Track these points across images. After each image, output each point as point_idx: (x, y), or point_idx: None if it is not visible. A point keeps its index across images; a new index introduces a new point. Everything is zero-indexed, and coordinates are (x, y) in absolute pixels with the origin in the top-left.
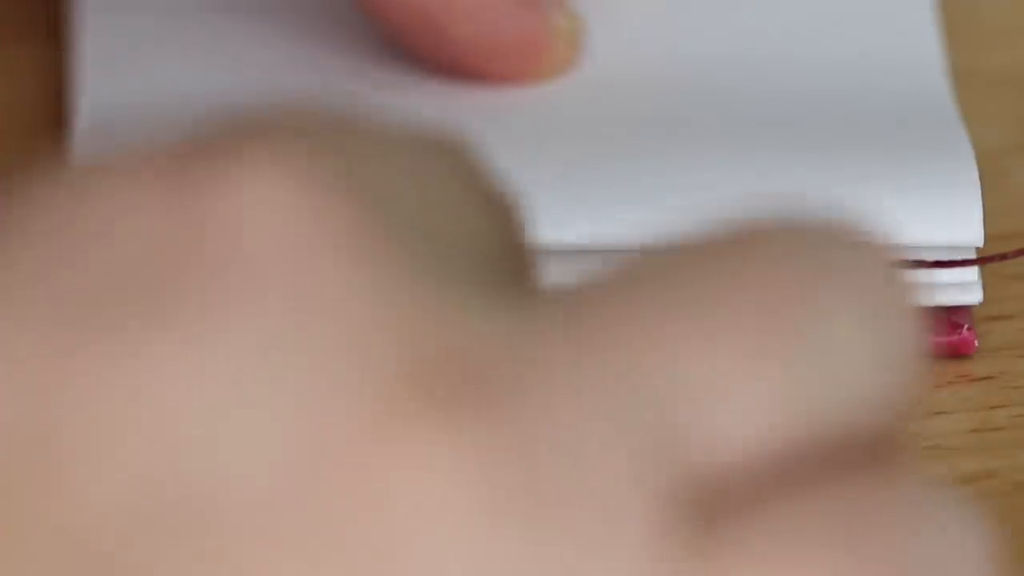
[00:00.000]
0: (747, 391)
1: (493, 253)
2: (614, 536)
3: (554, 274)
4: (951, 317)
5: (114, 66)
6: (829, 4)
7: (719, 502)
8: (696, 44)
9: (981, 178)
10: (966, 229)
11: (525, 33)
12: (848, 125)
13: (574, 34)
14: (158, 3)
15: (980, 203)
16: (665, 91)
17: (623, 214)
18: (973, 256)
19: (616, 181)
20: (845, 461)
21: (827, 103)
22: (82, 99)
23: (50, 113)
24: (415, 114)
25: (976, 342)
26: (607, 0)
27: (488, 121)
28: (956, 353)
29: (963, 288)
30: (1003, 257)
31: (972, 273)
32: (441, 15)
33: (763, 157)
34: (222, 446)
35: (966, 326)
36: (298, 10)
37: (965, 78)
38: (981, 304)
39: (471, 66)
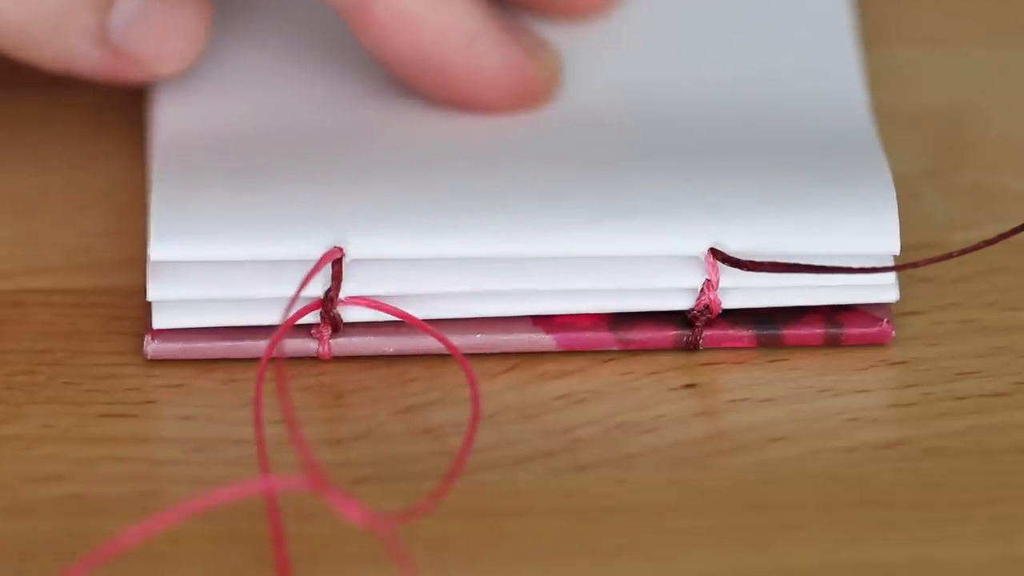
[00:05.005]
0: None
1: None
2: None
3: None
4: (873, 312)
5: (187, 87)
6: (773, 55)
7: None
8: (657, 83)
9: (898, 199)
10: (885, 240)
11: (512, 65)
12: (789, 155)
13: (555, 68)
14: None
15: (897, 219)
16: (629, 123)
17: (597, 229)
18: (891, 263)
19: (585, 192)
20: None
21: (772, 138)
22: (159, 119)
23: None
24: (419, 140)
25: (893, 333)
26: (584, 43)
27: (480, 145)
28: (877, 342)
29: (883, 289)
30: (915, 264)
31: (890, 277)
32: (437, 51)
33: (711, 181)
34: None
35: (885, 320)
36: (321, 48)
37: (887, 116)
38: (897, 302)
39: (466, 97)
